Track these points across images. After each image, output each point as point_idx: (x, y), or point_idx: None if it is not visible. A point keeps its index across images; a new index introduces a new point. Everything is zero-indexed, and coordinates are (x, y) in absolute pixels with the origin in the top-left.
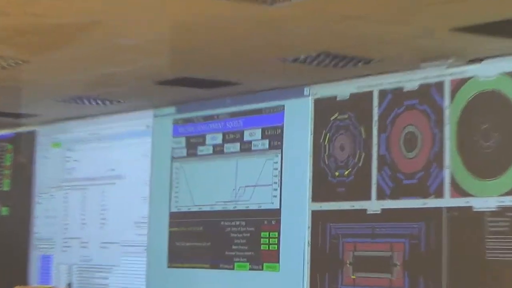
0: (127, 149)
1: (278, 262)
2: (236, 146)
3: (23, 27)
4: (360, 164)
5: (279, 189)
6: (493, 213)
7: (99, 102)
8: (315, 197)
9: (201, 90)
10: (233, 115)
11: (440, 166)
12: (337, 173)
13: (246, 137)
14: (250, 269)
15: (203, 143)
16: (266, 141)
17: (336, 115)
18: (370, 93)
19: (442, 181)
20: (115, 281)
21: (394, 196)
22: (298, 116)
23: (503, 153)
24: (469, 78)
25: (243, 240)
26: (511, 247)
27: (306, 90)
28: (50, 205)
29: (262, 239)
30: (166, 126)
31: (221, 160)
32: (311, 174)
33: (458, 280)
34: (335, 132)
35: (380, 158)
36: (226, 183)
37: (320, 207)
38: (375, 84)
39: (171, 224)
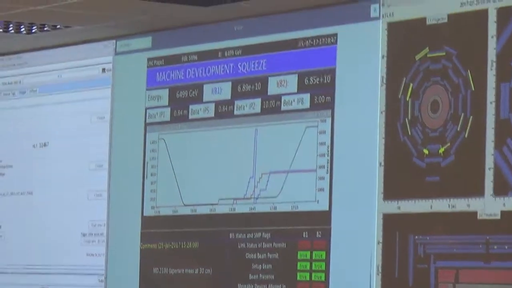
0: (69, 108)
1: None
2: (255, 104)
3: None
4: (465, 135)
5: (328, 177)
6: None
7: (24, 28)
8: (389, 192)
9: (194, 7)
10: (250, 50)
11: None
12: (426, 151)
13: (272, 89)
14: None
15: (198, 99)
16: (307, 96)
17: (425, 51)
18: (485, 13)
19: None
20: None
21: None
22: (361, 53)
23: None
24: None
25: (266, 265)
26: None
27: (374, 9)
28: None
29: (299, 264)
30: (136, 69)
31: (230, 129)
32: (383, 152)
33: None
34: (423, 81)
35: (501, 124)
36: (237, 167)
37: (398, 208)
38: None
39: (144, 238)
